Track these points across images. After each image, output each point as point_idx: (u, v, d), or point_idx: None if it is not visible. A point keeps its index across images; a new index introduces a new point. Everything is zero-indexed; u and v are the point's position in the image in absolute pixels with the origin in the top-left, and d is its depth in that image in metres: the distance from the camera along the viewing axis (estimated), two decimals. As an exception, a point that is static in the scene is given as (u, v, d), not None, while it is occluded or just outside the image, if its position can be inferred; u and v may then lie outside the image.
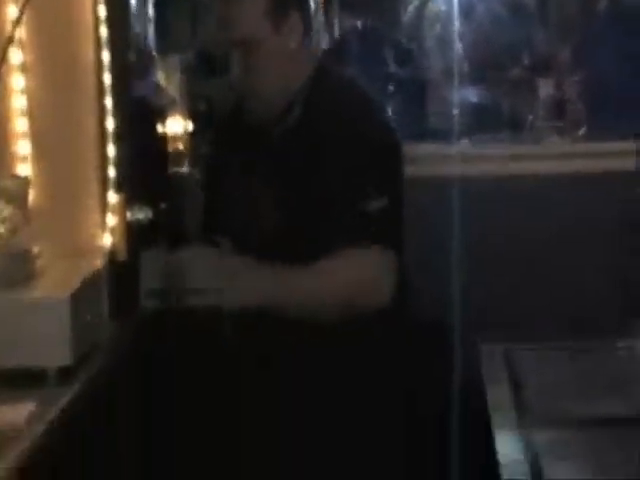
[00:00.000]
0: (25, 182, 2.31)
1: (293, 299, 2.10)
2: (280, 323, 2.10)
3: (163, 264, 2.17)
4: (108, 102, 2.46)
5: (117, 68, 2.47)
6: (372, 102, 2.30)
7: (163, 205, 2.51)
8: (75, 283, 2.17)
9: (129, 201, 2.43)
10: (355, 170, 2.06)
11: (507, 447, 2.31)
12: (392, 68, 4.66)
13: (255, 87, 2.14)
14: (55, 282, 2.22)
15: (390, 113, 4.01)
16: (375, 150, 2.10)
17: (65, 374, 2.09)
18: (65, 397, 2.03)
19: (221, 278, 2.09)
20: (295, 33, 2.12)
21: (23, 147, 2.37)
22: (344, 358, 2.13)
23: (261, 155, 2.20)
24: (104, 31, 2.44)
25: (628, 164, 3.08)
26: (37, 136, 2.37)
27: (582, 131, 4.07)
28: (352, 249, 2.03)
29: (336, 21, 5.15)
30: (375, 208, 2.03)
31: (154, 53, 2.99)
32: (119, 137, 2.44)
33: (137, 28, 2.95)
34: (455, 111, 3.88)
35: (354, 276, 2.06)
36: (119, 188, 2.44)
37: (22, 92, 2.35)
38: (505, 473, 1.97)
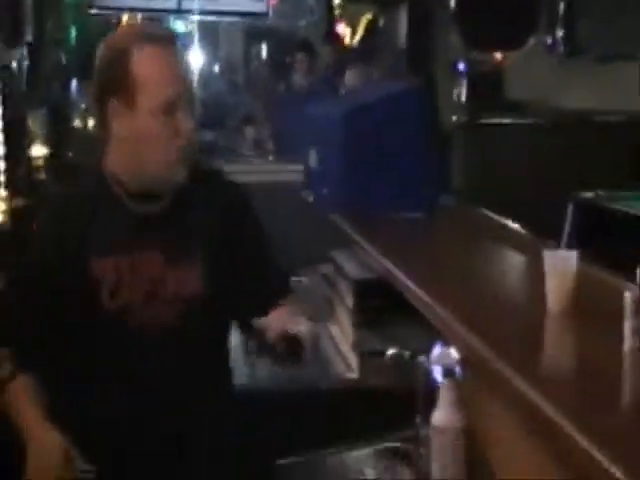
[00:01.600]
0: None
1: None
2: None
3: None
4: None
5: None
6: None
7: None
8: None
9: (12, 195, 3.91)
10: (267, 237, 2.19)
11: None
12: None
13: None
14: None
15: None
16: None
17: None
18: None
19: None
20: None
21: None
22: None
23: (149, 227, 2.04)
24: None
25: (298, 177, 4.65)
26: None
27: (270, 158, 6.19)
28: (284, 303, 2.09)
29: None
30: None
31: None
32: (6, 158, 3.93)
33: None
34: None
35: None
36: (6, 187, 3.93)
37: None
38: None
